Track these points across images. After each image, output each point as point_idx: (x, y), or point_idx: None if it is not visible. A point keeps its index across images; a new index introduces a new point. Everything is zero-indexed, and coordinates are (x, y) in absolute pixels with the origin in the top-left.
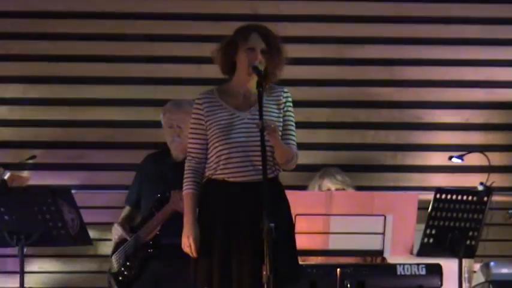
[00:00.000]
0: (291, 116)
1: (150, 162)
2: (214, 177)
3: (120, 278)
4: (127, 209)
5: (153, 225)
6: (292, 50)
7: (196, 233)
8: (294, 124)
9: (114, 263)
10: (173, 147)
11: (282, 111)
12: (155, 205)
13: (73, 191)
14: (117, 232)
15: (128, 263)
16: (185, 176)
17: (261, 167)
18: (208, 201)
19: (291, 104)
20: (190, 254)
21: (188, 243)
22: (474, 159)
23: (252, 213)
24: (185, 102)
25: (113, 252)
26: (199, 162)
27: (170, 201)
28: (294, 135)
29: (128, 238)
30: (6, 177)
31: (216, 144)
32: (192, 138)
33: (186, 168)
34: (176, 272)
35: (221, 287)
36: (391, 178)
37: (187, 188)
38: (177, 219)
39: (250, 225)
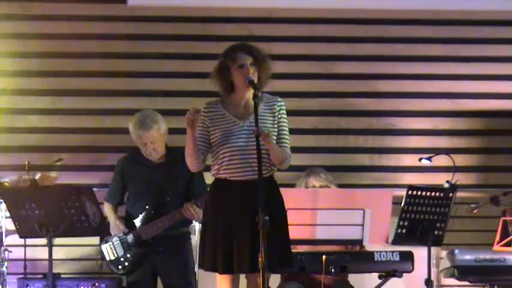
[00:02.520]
0: (284, 122)
1: (131, 164)
2: (218, 176)
3: (120, 266)
4: (111, 206)
5: (158, 227)
6: (283, 66)
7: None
8: (287, 129)
9: (107, 252)
10: (152, 157)
11: (276, 118)
12: (152, 210)
13: (94, 189)
14: (116, 229)
15: (128, 255)
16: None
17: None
18: (213, 198)
19: (284, 112)
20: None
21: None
22: (441, 160)
23: (250, 206)
24: (149, 120)
25: (101, 242)
26: (201, 159)
27: (184, 212)
28: (287, 139)
29: (123, 233)
30: (37, 177)
31: (219, 148)
32: (198, 138)
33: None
34: (170, 261)
35: (224, 269)
36: (368, 177)
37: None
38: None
39: (248, 217)
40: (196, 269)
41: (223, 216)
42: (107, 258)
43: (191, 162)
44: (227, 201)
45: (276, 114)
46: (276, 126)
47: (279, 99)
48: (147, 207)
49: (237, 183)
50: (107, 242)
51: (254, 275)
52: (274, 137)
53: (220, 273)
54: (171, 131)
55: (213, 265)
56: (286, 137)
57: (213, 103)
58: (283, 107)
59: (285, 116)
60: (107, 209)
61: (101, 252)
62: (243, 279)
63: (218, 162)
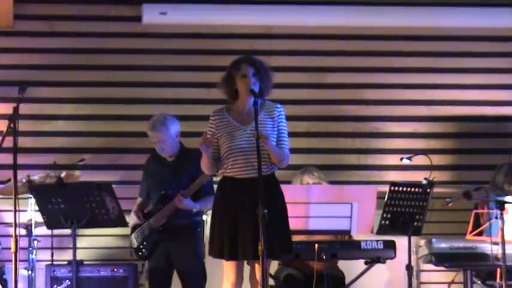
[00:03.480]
0: (283, 126)
1: (151, 164)
2: (225, 174)
3: (140, 253)
4: (139, 200)
5: (162, 216)
6: (281, 77)
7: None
8: (286, 132)
9: (134, 241)
10: (164, 155)
11: (276, 123)
12: (160, 201)
13: (113, 186)
14: (133, 219)
15: (144, 243)
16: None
17: (261, 167)
18: (221, 194)
19: (283, 117)
20: (204, 141)
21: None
22: (420, 160)
23: (253, 201)
24: (159, 123)
25: (131, 232)
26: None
27: (174, 201)
28: (286, 141)
29: (142, 223)
30: (62, 175)
31: (225, 151)
32: None
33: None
34: (182, 253)
35: (230, 256)
36: (355, 175)
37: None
38: (178, 210)
39: (251, 209)
40: (205, 255)
41: (230, 210)
42: (133, 246)
43: (208, 170)
44: (233, 196)
45: (276, 119)
46: (275, 130)
47: (279, 105)
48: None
49: (241, 181)
50: (133, 232)
51: (256, 262)
52: (274, 140)
53: (226, 260)
54: (182, 134)
55: (221, 253)
56: (285, 139)
57: (219, 111)
58: (282, 113)
59: (283, 120)
60: (136, 203)
61: (130, 242)
62: (246, 266)
63: (225, 162)
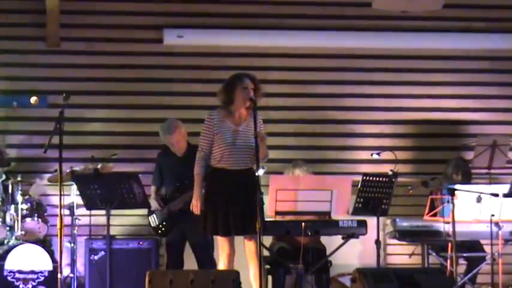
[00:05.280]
0: (262, 128)
1: (163, 157)
2: (217, 166)
3: (160, 231)
4: (154, 187)
5: (179, 202)
6: (275, 88)
7: (201, 198)
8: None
9: (151, 221)
10: (177, 153)
11: (258, 125)
12: (178, 190)
13: (139, 175)
14: (154, 204)
15: (163, 223)
16: (196, 161)
17: (247, 161)
18: (215, 181)
19: (261, 121)
20: (195, 211)
21: (195, 204)
22: (386, 155)
23: (241, 187)
24: (172, 126)
25: (149, 215)
26: (206, 154)
27: (191, 192)
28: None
29: (161, 208)
30: (98, 167)
31: (221, 145)
32: (204, 139)
33: (197, 157)
34: (196, 230)
35: (224, 233)
36: (335, 167)
37: (197, 170)
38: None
39: (239, 194)
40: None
41: (222, 195)
42: (151, 225)
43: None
44: (224, 184)
45: (258, 125)
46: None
47: (259, 113)
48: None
49: (231, 172)
50: (151, 214)
51: (249, 236)
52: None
53: (221, 236)
54: (191, 134)
55: (215, 230)
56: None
57: (214, 113)
58: (260, 118)
59: (262, 124)
60: (152, 190)
61: (148, 222)
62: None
63: (218, 156)
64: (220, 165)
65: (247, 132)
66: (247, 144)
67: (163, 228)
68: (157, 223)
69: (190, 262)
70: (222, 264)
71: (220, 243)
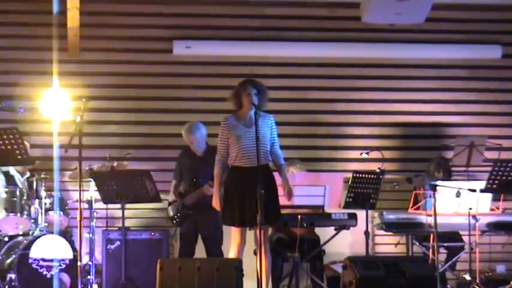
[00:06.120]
0: (275, 133)
1: (184, 157)
2: (234, 164)
3: (174, 221)
4: (174, 182)
5: (193, 197)
6: (275, 94)
7: (221, 196)
8: (277, 137)
9: (170, 212)
10: (196, 152)
11: (270, 129)
12: (193, 186)
13: (151, 173)
14: (172, 197)
15: (178, 214)
16: (216, 163)
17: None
18: (232, 177)
19: (275, 125)
20: (216, 208)
21: (215, 201)
22: (375, 154)
23: (254, 183)
24: (193, 128)
25: (168, 205)
26: (224, 156)
27: (203, 189)
28: (278, 144)
29: (178, 200)
30: (114, 164)
31: (235, 146)
32: (220, 143)
33: (216, 159)
34: (206, 224)
35: (239, 224)
36: (328, 165)
37: (216, 171)
38: (205, 194)
39: (253, 189)
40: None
41: (238, 190)
42: (168, 215)
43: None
44: (240, 180)
45: (270, 127)
46: (269, 134)
47: (271, 116)
48: (190, 183)
49: (246, 169)
50: (170, 205)
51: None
52: (268, 142)
53: (236, 227)
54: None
55: (232, 221)
56: (277, 142)
57: (228, 117)
58: (274, 122)
59: (275, 128)
60: (172, 185)
61: (167, 211)
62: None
63: (234, 155)
64: (236, 164)
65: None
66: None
67: (177, 219)
68: (172, 214)
69: (199, 253)
70: (232, 252)
71: (233, 234)
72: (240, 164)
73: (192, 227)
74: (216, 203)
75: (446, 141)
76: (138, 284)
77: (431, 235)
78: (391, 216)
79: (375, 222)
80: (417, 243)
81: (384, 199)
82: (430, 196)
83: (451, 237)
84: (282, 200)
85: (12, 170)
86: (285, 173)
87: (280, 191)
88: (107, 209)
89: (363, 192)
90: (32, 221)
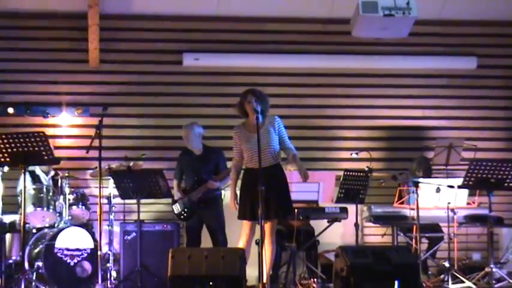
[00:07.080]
0: (283, 130)
1: (183, 156)
2: (247, 166)
3: (182, 217)
4: (176, 181)
5: (198, 193)
6: (273, 101)
7: (235, 197)
8: (286, 134)
9: (175, 208)
10: (192, 150)
11: (276, 130)
12: (197, 183)
13: (164, 171)
14: (177, 195)
15: (185, 209)
16: (232, 168)
17: (269, 159)
18: (245, 178)
19: (281, 124)
20: (232, 208)
21: (231, 202)
22: (363, 154)
23: (266, 182)
24: (188, 125)
25: (172, 203)
26: (238, 161)
27: (207, 184)
28: (289, 140)
29: (183, 197)
30: (131, 164)
31: (247, 151)
32: (234, 150)
33: (232, 164)
34: (211, 215)
35: (251, 217)
36: (321, 164)
37: (231, 175)
38: (208, 189)
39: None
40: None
41: (250, 188)
42: (175, 212)
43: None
44: (251, 180)
45: (276, 127)
46: (277, 134)
47: (276, 117)
48: (192, 181)
49: (255, 170)
50: (175, 203)
51: (267, 220)
52: (275, 142)
53: (248, 220)
54: (207, 137)
55: (244, 216)
56: (288, 139)
57: (238, 127)
58: (280, 121)
59: (282, 126)
60: (174, 184)
61: (172, 209)
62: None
63: (246, 159)
64: (250, 166)
65: (264, 137)
66: (264, 146)
67: (185, 214)
68: (179, 210)
69: (206, 243)
70: (241, 243)
71: (244, 226)
72: (253, 166)
73: (197, 220)
74: (232, 204)
75: (427, 143)
76: (152, 271)
77: (414, 227)
78: (378, 210)
79: (364, 215)
80: (401, 234)
81: (372, 194)
82: (413, 192)
83: (431, 229)
84: None
85: (37, 169)
86: (298, 160)
87: (298, 177)
88: (124, 203)
89: (353, 188)
90: (57, 214)
